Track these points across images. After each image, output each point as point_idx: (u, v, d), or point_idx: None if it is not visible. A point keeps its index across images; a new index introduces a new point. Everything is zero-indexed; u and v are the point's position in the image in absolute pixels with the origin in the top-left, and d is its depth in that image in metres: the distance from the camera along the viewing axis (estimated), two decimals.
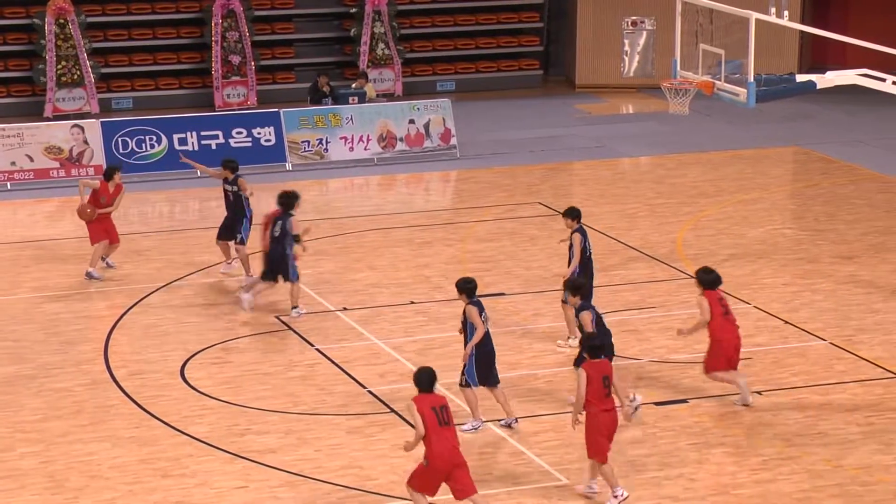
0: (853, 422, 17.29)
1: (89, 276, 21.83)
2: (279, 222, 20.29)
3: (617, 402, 15.49)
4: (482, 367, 16.85)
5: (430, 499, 14.66)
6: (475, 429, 16.97)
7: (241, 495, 15.64)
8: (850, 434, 16.97)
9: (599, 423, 15.23)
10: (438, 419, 14.39)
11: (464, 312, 16.83)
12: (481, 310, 16.77)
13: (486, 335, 16.79)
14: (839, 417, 17.42)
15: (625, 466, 16.15)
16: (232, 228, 21.75)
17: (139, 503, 15.53)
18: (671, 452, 16.52)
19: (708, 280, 17.60)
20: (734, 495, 15.57)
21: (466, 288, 16.86)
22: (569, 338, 19.18)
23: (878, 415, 17.46)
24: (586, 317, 16.95)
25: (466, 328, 16.82)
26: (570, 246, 19.20)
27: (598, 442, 15.24)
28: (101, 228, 21.99)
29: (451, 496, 14.58)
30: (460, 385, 16.93)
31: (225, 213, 22.02)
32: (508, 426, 17.03)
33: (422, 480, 14.53)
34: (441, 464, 14.37)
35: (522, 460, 16.36)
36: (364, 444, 16.78)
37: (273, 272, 20.35)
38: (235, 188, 21.76)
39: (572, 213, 19.29)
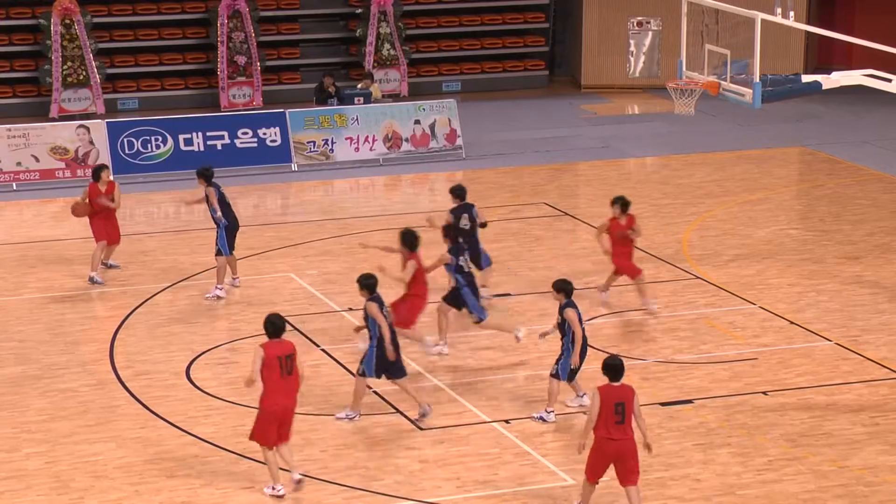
0: (858, 422, 17.28)
1: (92, 280, 21.81)
2: (464, 214, 20.51)
3: (637, 434, 14.69)
4: (383, 360, 16.95)
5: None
6: (350, 419, 17.10)
7: (246, 496, 15.64)
8: (856, 434, 16.96)
9: (602, 450, 14.68)
10: (282, 368, 15.06)
11: (364, 309, 17.03)
12: (382, 305, 16.95)
13: (391, 329, 16.91)
14: (844, 418, 17.41)
15: None
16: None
17: (144, 503, 15.54)
18: (676, 453, 16.52)
19: None
20: (739, 496, 15.57)
21: (367, 284, 17.07)
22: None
23: (884, 415, 17.44)
24: (571, 314, 16.97)
25: (368, 323, 17.03)
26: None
27: (594, 463, 14.78)
28: (102, 227, 21.96)
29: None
30: (359, 373, 17.11)
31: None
32: (423, 416, 17.12)
33: (260, 429, 15.21)
34: (275, 409, 15.15)
35: (528, 461, 16.37)
36: (369, 444, 16.79)
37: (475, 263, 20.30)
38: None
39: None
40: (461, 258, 19.27)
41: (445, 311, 19.28)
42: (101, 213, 21.91)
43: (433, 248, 20.23)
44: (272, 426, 15.33)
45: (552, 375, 17.23)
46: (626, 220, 20.72)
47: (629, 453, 14.73)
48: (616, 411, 14.55)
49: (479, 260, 20.78)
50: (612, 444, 14.65)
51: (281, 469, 15.54)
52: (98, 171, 22.09)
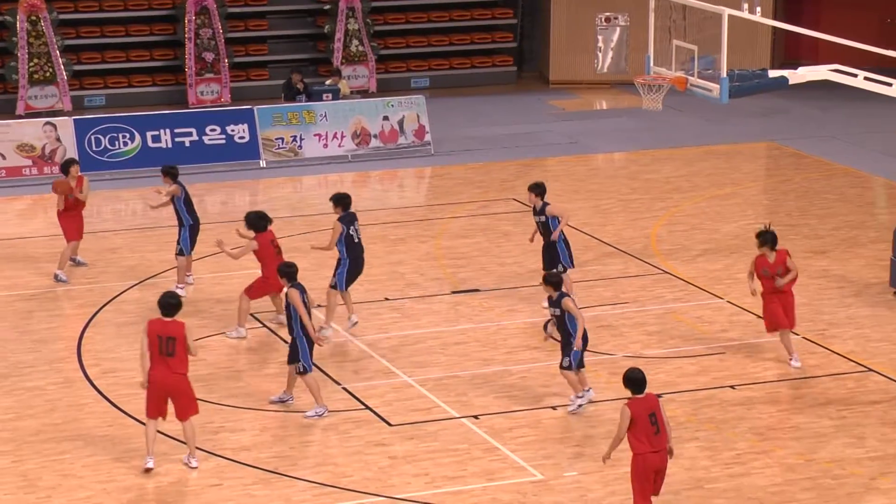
0: (825, 415, 17.36)
1: (57, 278, 21.71)
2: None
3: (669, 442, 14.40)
4: (313, 349, 17.11)
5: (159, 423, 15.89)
6: (319, 415, 17.10)
7: (215, 493, 15.61)
8: (823, 428, 17.04)
9: (647, 464, 14.18)
10: (160, 348, 15.62)
11: (285, 296, 17.09)
12: (303, 292, 17.05)
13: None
14: (811, 411, 17.48)
15: (599, 462, 16.17)
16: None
17: (113, 502, 15.49)
18: None
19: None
20: (708, 489, 15.62)
21: (285, 272, 17.15)
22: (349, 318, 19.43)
23: (850, 409, 17.53)
24: (569, 303, 17.04)
25: (289, 311, 17.06)
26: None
27: (641, 486, 14.26)
28: (74, 227, 21.88)
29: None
30: (298, 372, 17.12)
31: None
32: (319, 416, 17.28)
33: (147, 402, 15.85)
34: (154, 388, 15.70)
35: (497, 456, 16.38)
36: (338, 440, 16.78)
37: (552, 263, 19.97)
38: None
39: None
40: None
41: (333, 296, 19.37)
42: (72, 210, 21.81)
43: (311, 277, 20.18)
44: (151, 399, 15.79)
45: (564, 368, 17.16)
46: (777, 258, 18.48)
47: (665, 467, 14.40)
48: (651, 422, 14.17)
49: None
50: (656, 455, 14.24)
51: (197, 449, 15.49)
52: (67, 165, 22.01)
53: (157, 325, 15.85)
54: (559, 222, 20.05)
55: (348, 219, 19.39)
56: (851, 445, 16.60)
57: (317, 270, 21.74)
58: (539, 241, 20.41)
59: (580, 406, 17.26)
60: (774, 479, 15.86)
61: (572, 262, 20.21)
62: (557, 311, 17.11)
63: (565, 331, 17.11)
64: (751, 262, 18.57)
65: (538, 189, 20.23)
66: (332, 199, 19.61)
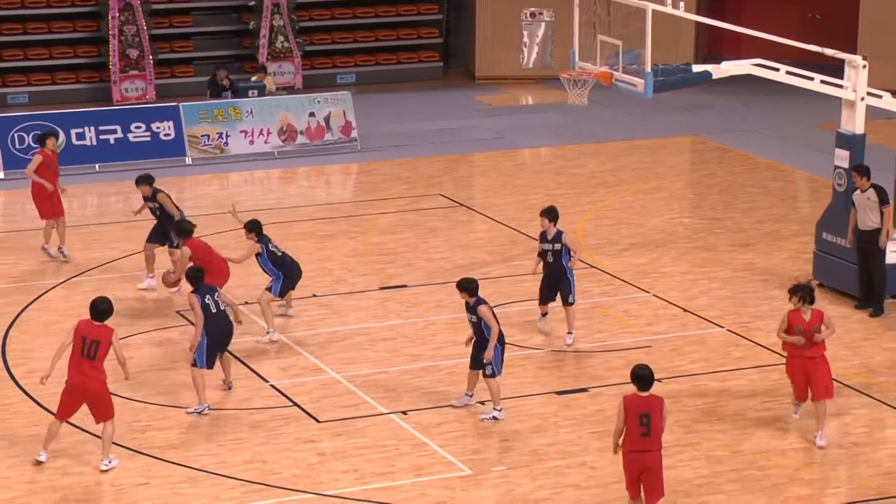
0: (751, 408, 17.54)
1: (45, 251, 21.99)
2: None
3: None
4: (213, 348, 17.18)
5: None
6: (199, 412, 17.15)
7: (142, 492, 15.55)
8: (748, 420, 17.21)
9: (628, 462, 14.23)
10: (82, 349, 15.71)
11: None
12: (203, 296, 17.18)
13: (213, 317, 17.09)
14: (737, 403, 17.65)
15: (527, 456, 16.27)
16: (165, 233, 20.89)
17: (40, 502, 15.38)
18: (573, 441, 16.66)
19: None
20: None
21: (190, 276, 17.42)
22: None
23: (775, 400, 17.71)
24: (485, 311, 16.86)
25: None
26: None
27: (627, 480, 14.40)
28: (48, 205, 21.91)
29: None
30: (192, 364, 17.21)
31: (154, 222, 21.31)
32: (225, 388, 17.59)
33: (60, 402, 15.93)
34: (69, 388, 15.80)
35: (425, 452, 16.42)
36: (266, 437, 16.75)
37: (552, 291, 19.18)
38: (156, 204, 21.09)
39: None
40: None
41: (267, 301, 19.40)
42: (44, 189, 21.67)
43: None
44: (64, 401, 15.89)
45: (488, 376, 16.96)
46: (813, 316, 16.45)
47: (654, 468, 14.20)
48: (641, 423, 14.04)
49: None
50: (638, 455, 14.15)
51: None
52: (44, 137, 22.02)
53: (85, 326, 15.84)
54: (572, 254, 18.98)
55: (264, 239, 19.45)
56: (776, 437, 16.79)
57: (244, 266, 21.69)
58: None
59: (494, 419, 17.11)
60: (701, 471, 16.01)
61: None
62: (474, 318, 16.89)
63: (481, 337, 16.97)
64: (782, 318, 16.54)
65: (552, 214, 18.94)
66: (245, 226, 19.47)
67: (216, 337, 17.21)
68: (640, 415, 14.10)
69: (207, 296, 17.21)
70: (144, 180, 21.24)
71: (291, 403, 17.54)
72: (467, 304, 17.01)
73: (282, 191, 27.12)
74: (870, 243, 20.28)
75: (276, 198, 26.34)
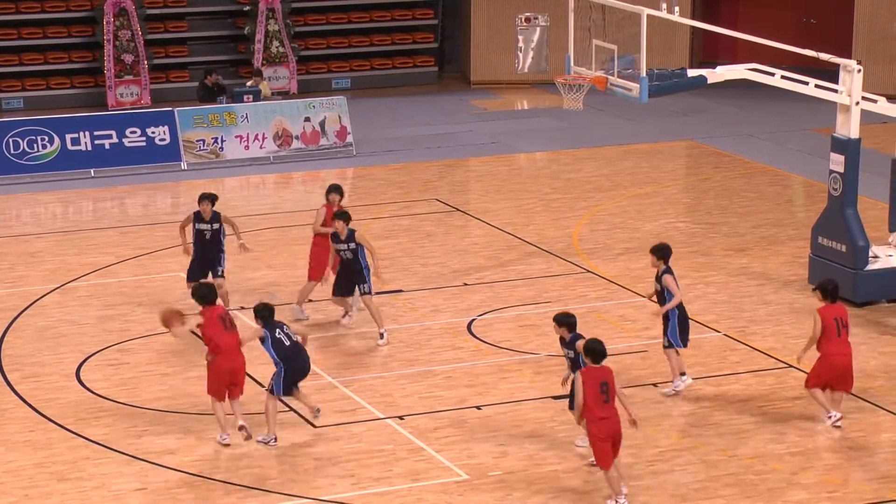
0: (747, 412, 17.54)
1: None
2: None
3: (620, 410, 15.08)
4: (290, 378, 16.59)
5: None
6: (266, 443, 16.59)
7: (139, 497, 15.53)
8: (744, 424, 17.22)
9: (598, 430, 15.04)
10: (224, 324, 16.45)
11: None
12: (274, 330, 16.59)
13: (286, 350, 16.48)
14: (733, 408, 17.66)
15: (524, 461, 16.27)
16: (211, 260, 19.88)
17: None
18: (569, 446, 16.64)
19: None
20: (632, 486, 15.72)
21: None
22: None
23: (771, 404, 17.72)
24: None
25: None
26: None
27: (600, 448, 15.10)
28: None
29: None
30: (269, 391, 16.69)
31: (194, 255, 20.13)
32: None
33: (211, 384, 16.47)
34: (225, 364, 16.43)
35: (422, 457, 16.41)
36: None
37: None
38: (217, 226, 19.87)
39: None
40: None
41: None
42: None
43: None
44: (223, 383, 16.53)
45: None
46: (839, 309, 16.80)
47: (620, 431, 15.16)
48: (602, 390, 14.98)
49: None
50: (605, 422, 15.01)
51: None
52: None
53: (214, 311, 16.57)
54: (672, 297, 17.66)
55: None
56: (773, 441, 16.79)
57: (239, 272, 21.70)
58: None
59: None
60: (697, 475, 16.01)
61: (684, 342, 17.82)
62: (571, 353, 16.24)
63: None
64: (814, 319, 16.76)
65: (662, 253, 17.75)
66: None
67: (295, 368, 16.63)
68: (601, 382, 14.98)
69: (277, 330, 16.60)
70: (209, 198, 19.85)
71: (288, 409, 17.52)
72: (562, 339, 16.27)
73: (277, 196, 27.11)
74: None
75: (271, 203, 26.34)
